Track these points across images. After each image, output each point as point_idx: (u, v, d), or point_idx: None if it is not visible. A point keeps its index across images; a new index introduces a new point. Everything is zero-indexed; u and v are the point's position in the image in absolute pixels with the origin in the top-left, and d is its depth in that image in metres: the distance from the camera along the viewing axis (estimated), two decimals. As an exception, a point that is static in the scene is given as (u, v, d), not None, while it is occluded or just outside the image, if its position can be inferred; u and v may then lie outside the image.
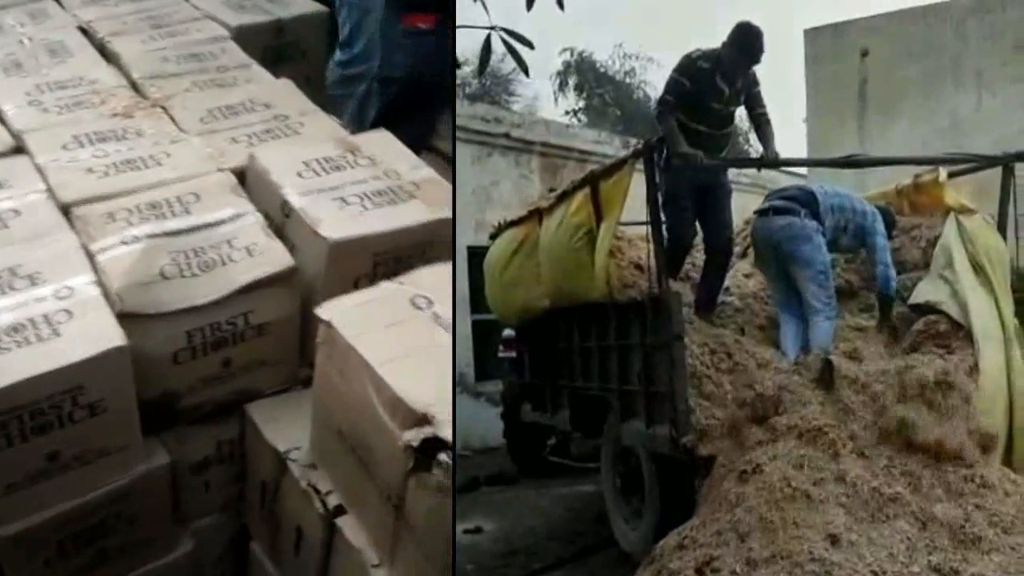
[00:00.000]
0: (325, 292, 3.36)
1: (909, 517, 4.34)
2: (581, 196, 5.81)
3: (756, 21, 5.43)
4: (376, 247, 3.57)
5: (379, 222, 3.59)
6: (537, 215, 6.70)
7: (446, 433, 2.68)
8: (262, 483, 3.59)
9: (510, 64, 24.31)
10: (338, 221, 3.54)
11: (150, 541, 3.57)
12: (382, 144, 4.08)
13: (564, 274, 6.01)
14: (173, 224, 3.52)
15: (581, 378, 6.32)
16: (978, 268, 5.45)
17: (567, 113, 25.18)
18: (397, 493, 2.86)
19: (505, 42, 4.23)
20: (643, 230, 5.44)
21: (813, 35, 13.20)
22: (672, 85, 5.53)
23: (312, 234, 3.50)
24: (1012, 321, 5.36)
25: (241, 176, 3.87)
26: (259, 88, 4.55)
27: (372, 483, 3.02)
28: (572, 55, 25.67)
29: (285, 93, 4.53)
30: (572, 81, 26.02)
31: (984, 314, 5.29)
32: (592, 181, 5.72)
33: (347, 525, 3.22)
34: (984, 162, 5.95)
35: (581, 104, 25.89)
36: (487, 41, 4.22)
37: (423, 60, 5.15)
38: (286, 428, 3.49)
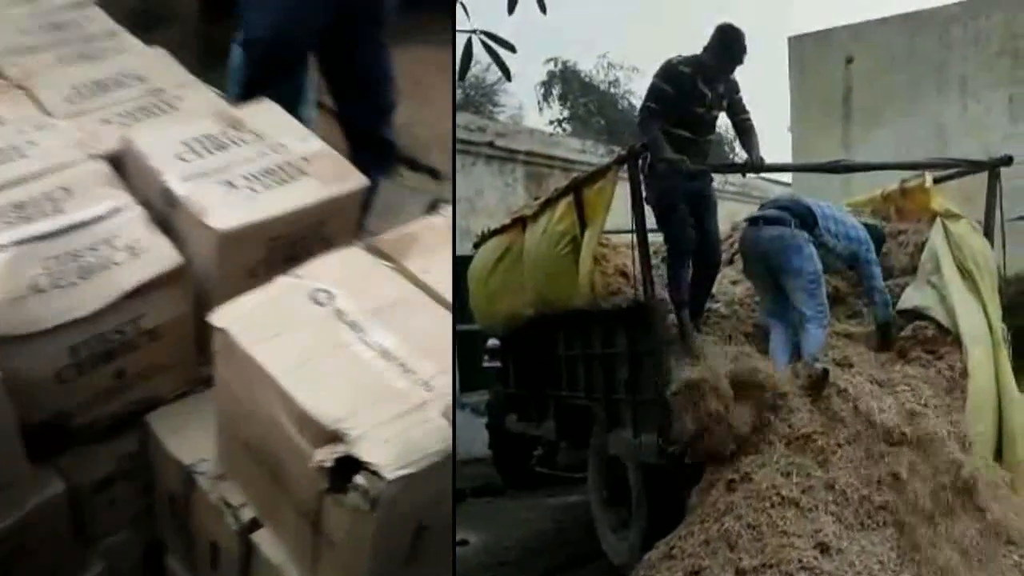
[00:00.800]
0: (219, 285, 3.20)
1: (899, 526, 4.30)
2: (565, 203, 5.76)
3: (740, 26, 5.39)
4: (270, 232, 3.34)
5: (271, 205, 3.35)
6: (521, 223, 6.64)
7: (362, 450, 2.53)
8: (170, 497, 3.40)
9: (494, 74, 24.42)
10: (227, 208, 3.28)
11: (57, 569, 3.38)
12: (267, 116, 3.79)
13: (549, 282, 5.95)
14: (44, 226, 3.14)
15: (567, 387, 6.25)
16: (965, 273, 5.40)
17: (552, 123, 25.14)
18: (313, 510, 2.72)
19: (486, 46, 4.17)
20: (627, 237, 5.38)
21: (797, 43, 13.22)
22: (654, 91, 5.45)
23: (199, 225, 3.22)
24: (999, 325, 5.33)
25: (116, 162, 3.49)
26: (130, 59, 4.09)
27: (286, 497, 2.86)
28: (556, 65, 25.66)
29: (159, 63, 4.11)
30: (556, 91, 25.97)
31: (972, 319, 5.25)
32: (576, 188, 5.68)
33: (264, 540, 3.07)
34: (970, 167, 5.92)
35: (566, 114, 25.84)
36: (467, 45, 4.15)
37: (287, 18, 4.83)
38: (190, 437, 3.29)
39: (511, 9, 4.35)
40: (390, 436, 2.57)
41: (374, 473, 2.49)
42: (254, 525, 3.09)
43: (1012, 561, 4.30)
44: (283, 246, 3.38)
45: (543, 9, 4.42)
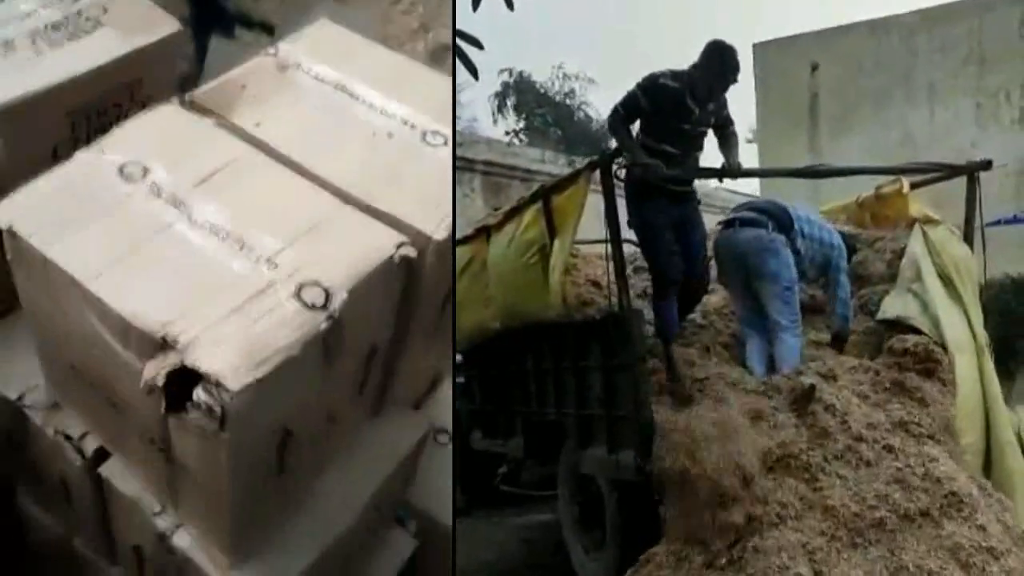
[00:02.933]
0: (11, 176, 2.55)
1: (891, 543, 4.12)
2: (532, 212, 5.56)
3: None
4: (67, 102, 2.77)
5: (62, 67, 2.75)
6: (485, 233, 6.43)
7: (198, 358, 2.07)
8: (7, 434, 2.99)
9: (450, 85, 24.15)
10: (6, 76, 2.70)
11: None
12: None
13: (516, 293, 5.73)
14: None
15: (535, 403, 6.02)
16: (946, 280, 5.27)
17: (507, 133, 25.08)
18: (160, 436, 2.33)
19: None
20: (597, 247, 5.18)
21: (762, 50, 13.11)
22: (628, 98, 5.24)
23: None
24: (982, 332, 5.19)
25: None
26: None
27: (129, 424, 2.46)
28: (511, 75, 25.63)
29: None
30: (511, 102, 25.93)
31: (955, 327, 5.11)
32: (544, 195, 5.46)
33: (114, 472, 2.74)
34: (949, 171, 5.77)
35: (522, 124, 25.78)
36: None
37: None
38: (14, 365, 2.89)
39: (475, 5, 4.19)
40: (230, 334, 2.12)
41: (217, 384, 2.06)
42: (101, 456, 2.75)
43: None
44: (90, 118, 2.84)
45: (510, 5, 4.28)
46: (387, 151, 2.68)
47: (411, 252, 2.43)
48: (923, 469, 4.38)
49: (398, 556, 3.55)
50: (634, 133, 5.27)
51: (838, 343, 5.38)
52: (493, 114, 25.84)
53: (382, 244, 2.41)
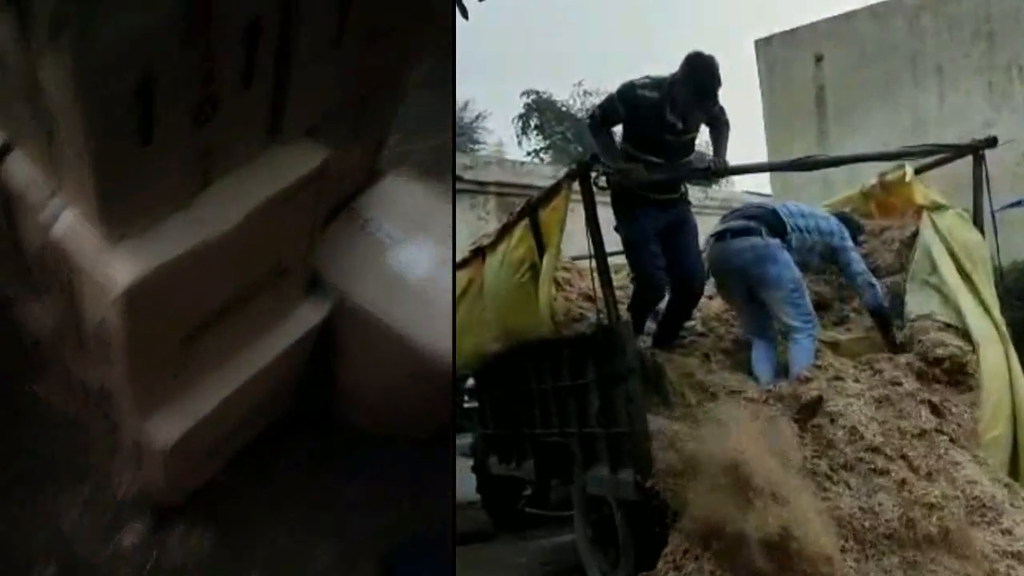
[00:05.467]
0: None
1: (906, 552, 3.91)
2: (521, 228, 5.41)
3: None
4: None
5: None
6: (481, 254, 6.29)
7: None
8: None
9: (472, 112, 24.53)
10: None
11: None
12: None
13: (511, 313, 5.56)
14: None
15: (541, 424, 5.84)
16: (960, 269, 5.04)
17: (529, 154, 25.27)
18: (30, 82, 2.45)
19: None
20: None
21: (764, 45, 12.96)
22: (606, 103, 5.16)
23: None
24: (1001, 319, 4.97)
25: None
26: None
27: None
28: (529, 96, 25.89)
29: None
30: (534, 123, 26.18)
31: (976, 316, 4.91)
32: (531, 211, 5.30)
33: (13, 163, 3.08)
34: (951, 152, 5.53)
35: (544, 143, 25.99)
36: None
37: None
38: None
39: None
40: None
41: None
42: (5, 151, 3.09)
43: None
44: None
45: (465, 15, 4.22)
46: None
47: None
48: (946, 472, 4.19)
49: (304, 323, 3.95)
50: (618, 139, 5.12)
51: (879, 319, 5.10)
52: (517, 136, 26.10)
53: None
